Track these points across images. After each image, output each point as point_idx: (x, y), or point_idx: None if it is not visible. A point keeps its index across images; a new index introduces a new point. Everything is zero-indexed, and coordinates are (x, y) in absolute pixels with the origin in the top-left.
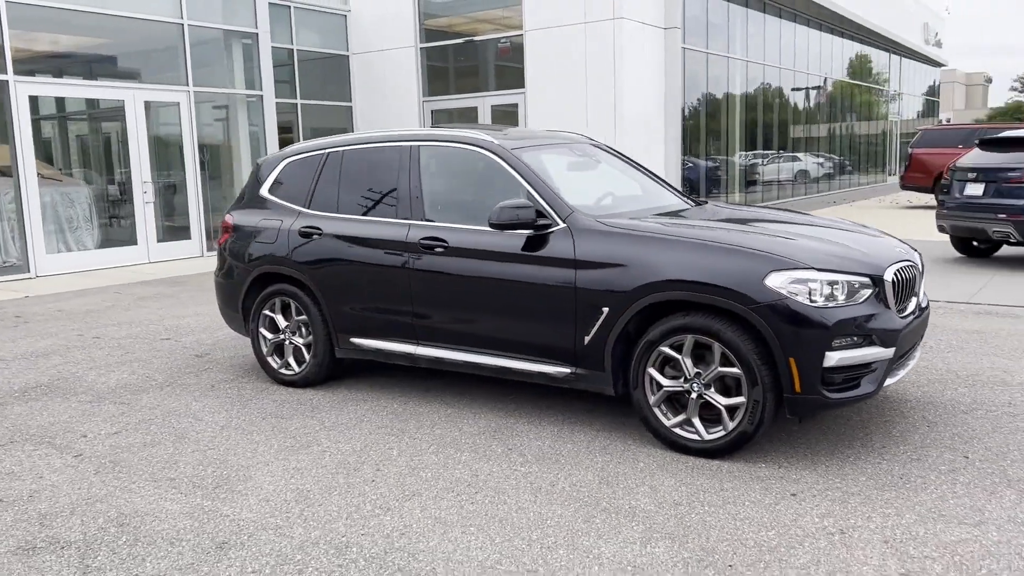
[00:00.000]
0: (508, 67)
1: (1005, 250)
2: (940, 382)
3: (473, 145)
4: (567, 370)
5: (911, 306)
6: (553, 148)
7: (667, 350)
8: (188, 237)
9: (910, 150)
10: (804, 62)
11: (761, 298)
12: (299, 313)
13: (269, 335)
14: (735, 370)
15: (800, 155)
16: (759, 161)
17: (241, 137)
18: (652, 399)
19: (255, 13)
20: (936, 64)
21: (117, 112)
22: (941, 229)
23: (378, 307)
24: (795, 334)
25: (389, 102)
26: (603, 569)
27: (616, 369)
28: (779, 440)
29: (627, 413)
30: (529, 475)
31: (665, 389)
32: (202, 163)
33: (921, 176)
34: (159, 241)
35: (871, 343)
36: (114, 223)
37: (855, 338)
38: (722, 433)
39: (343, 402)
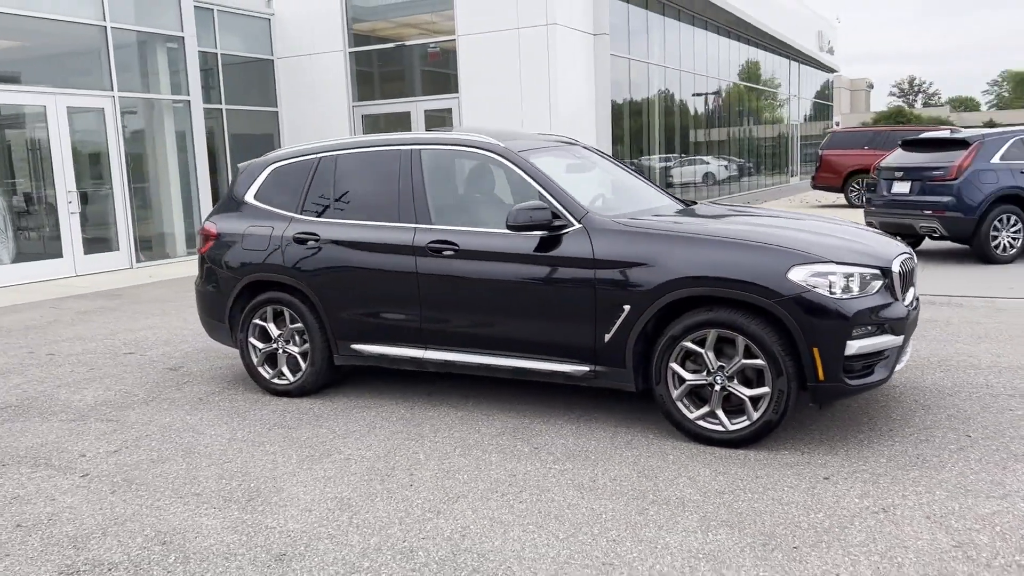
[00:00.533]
0: (441, 71)
1: (927, 244)
2: (918, 368)
3: (480, 148)
4: (586, 368)
5: (910, 296)
6: (552, 151)
7: (690, 345)
8: (116, 248)
9: (820, 152)
10: (715, 68)
11: (785, 291)
12: (293, 321)
13: (260, 345)
14: (759, 361)
15: (707, 158)
16: (670, 164)
17: (168, 144)
18: (675, 393)
19: (180, 16)
20: (829, 70)
21: (29, 118)
22: (870, 225)
23: (382, 312)
24: (818, 325)
25: (317, 107)
26: (675, 558)
27: (637, 365)
28: (792, 428)
29: (640, 408)
30: (565, 472)
31: (688, 383)
32: (128, 171)
33: (831, 176)
34: (86, 253)
35: (884, 331)
36: (35, 235)
37: (870, 327)
38: (746, 423)
39: (346, 410)
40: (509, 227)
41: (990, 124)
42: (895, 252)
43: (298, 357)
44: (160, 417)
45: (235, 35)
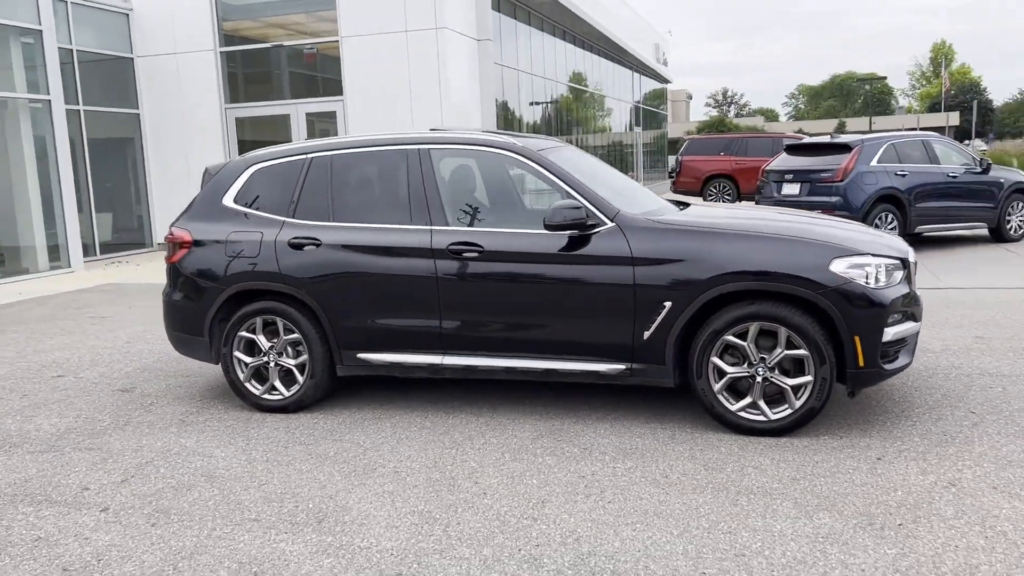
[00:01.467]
0: (324, 73)
1: None
2: None
3: (498, 148)
4: (622, 366)
5: (915, 286)
6: (558, 151)
7: (731, 338)
8: None
9: (680, 157)
10: (571, 76)
11: (829, 283)
12: (288, 332)
13: (247, 359)
14: (801, 352)
15: None
16: None
17: (25, 147)
18: (716, 387)
19: (37, 8)
20: (665, 80)
21: None
22: None
23: (396, 318)
24: (860, 314)
25: (185, 109)
26: (800, 544)
27: (676, 361)
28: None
29: (661, 403)
30: (632, 470)
31: (729, 376)
32: None
33: (691, 181)
34: None
35: (908, 318)
36: None
37: (899, 315)
38: (788, 412)
39: (355, 423)
40: (547, 227)
41: (800, 132)
42: (905, 245)
43: (294, 370)
44: (150, 442)
45: (91, 30)
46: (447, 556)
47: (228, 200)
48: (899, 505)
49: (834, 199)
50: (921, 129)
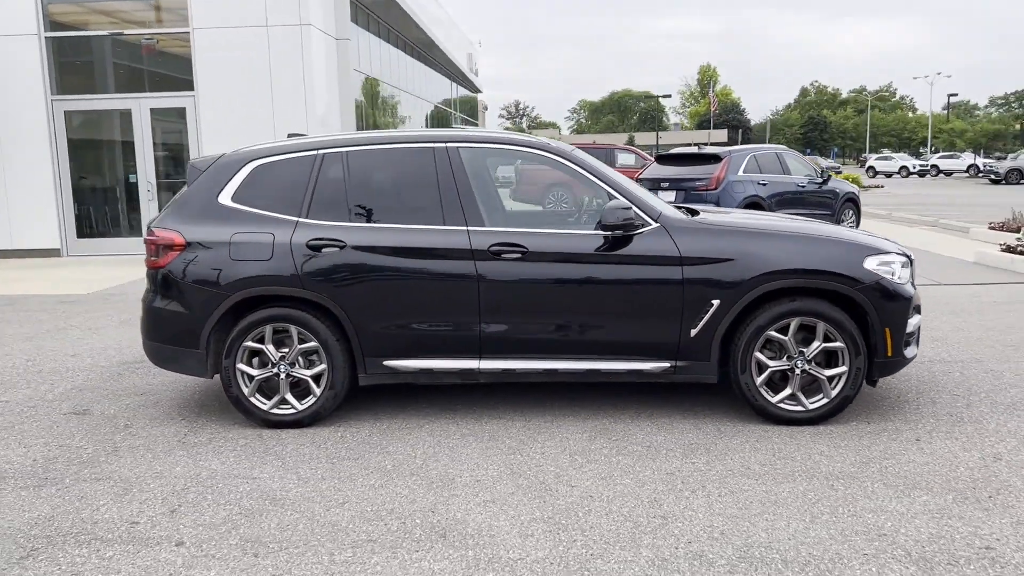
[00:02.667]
0: (171, 66)
1: None
2: None
3: (534, 148)
4: (666, 364)
5: None
6: (576, 152)
7: (773, 333)
8: None
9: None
10: (399, 79)
11: (865, 279)
12: (303, 340)
13: (254, 372)
14: (837, 344)
15: None
16: None
17: None
18: (759, 380)
19: None
20: (476, 90)
21: None
22: None
23: (431, 322)
24: (890, 307)
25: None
26: (923, 521)
27: (721, 357)
28: None
29: (683, 398)
30: (712, 464)
31: (771, 369)
32: None
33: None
34: None
35: (916, 311)
36: None
37: (914, 308)
38: (825, 401)
39: (387, 433)
40: (602, 227)
41: (594, 143)
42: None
43: (309, 381)
44: (166, 468)
45: None
46: (609, 560)
47: (225, 198)
48: (973, 479)
49: (710, 206)
50: (713, 144)
